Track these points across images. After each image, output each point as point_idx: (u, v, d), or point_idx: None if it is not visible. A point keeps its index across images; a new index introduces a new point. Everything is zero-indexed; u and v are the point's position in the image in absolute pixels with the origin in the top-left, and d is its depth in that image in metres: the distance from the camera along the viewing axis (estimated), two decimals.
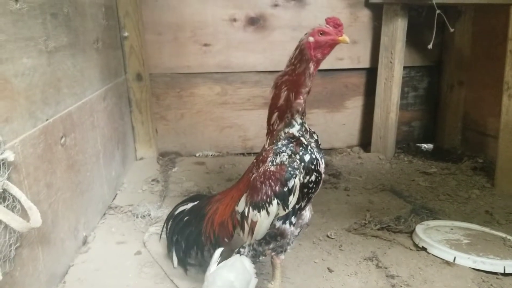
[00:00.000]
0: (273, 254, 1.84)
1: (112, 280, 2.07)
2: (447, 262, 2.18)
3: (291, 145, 1.71)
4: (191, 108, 3.88)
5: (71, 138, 2.19)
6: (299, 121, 1.74)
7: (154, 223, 2.59)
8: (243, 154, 3.97)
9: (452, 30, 3.29)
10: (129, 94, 3.58)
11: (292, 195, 1.68)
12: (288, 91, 1.70)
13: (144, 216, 2.66)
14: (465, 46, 3.82)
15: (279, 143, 1.73)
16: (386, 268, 2.16)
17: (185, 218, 2.09)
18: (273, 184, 1.67)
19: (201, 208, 2.03)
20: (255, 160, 1.83)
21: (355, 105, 4.04)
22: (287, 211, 1.70)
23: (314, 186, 1.73)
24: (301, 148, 1.70)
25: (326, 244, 2.40)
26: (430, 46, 3.15)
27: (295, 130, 1.73)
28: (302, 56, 1.67)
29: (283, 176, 1.66)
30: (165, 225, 2.19)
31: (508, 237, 2.38)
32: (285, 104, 1.71)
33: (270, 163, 1.70)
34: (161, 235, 2.30)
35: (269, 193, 1.68)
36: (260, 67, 3.83)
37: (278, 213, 1.71)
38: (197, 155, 3.91)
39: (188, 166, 3.62)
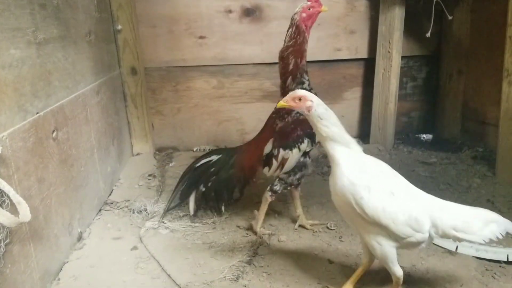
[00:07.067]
0: (293, 187, 2.41)
1: (108, 276, 2.03)
2: (449, 251, 2.15)
3: None
4: (188, 102, 3.83)
5: (63, 132, 2.15)
6: (307, 77, 2.31)
7: (150, 218, 2.55)
8: None
9: (450, 18, 3.26)
10: (124, 89, 3.53)
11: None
12: (295, 58, 2.26)
13: (140, 211, 2.63)
14: (464, 35, 3.76)
15: None
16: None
17: (212, 169, 2.46)
18: (304, 127, 2.23)
19: (228, 159, 2.46)
20: (274, 115, 2.41)
21: (353, 96, 3.99)
22: (313, 146, 2.31)
23: None
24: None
25: (326, 236, 2.36)
26: (428, 35, 3.11)
27: (305, 85, 2.29)
28: (299, 30, 2.24)
29: None
30: (186, 177, 2.51)
31: None
32: (295, 68, 2.27)
33: (298, 113, 2.23)
34: (179, 186, 2.54)
35: (301, 134, 2.27)
36: (257, 59, 3.78)
37: (306, 149, 2.30)
38: (194, 149, 3.86)
39: (185, 161, 3.57)
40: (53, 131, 2.03)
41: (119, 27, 3.37)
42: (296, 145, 2.28)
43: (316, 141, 2.27)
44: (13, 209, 1.50)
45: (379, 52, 3.69)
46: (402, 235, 1.65)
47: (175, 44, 3.65)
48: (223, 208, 2.53)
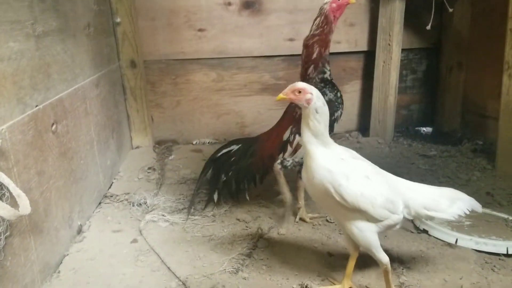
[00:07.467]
0: (299, 175, 2.40)
1: (107, 269, 2.04)
2: (449, 244, 2.15)
3: (328, 86, 2.35)
4: (187, 95, 3.82)
5: (62, 125, 2.14)
6: (328, 67, 2.37)
7: (150, 211, 2.55)
8: None
9: (450, 10, 3.23)
10: (123, 82, 3.52)
11: (336, 122, 2.40)
12: (319, 47, 2.32)
13: (140, 204, 2.63)
14: (464, 27, 3.75)
15: (319, 85, 2.30)
16: (387, 251, 2.10)
17: (232, 159, 2.50)
18: None
19: (248, 148, 2.50)
20: (293, 104, 2.27)
21: (353, 89, 3.98)
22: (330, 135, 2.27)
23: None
24: (335, 87, 2.38)
25: (326, 229, 2.36)
26: (428, 27, 3.09)
27: (327, 75, 2.37)
28: (327, 20, 2.29)
29: (331, 110, 2.16)
30: (209, 167, 2.55)
31: (510, 218, 2.34)
32: (318, 57, 2.33)
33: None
34: (202, 175, 2.56)
35: None
36: (256, 52, 3.77)
37: None
38: (194, 142, 3.86)
39: (185, 154, 3.58)
40: (53, 124, 2.03)
41: (118, 19, 3.35)
42: None
43: (334, 130, 2.39)
44: (13, 202, 1.50)
45: (379, 45, 3.68)
46: (380, 218, 1.69)
47: (174, 37, 3.64)
48: (246, 196, 2.56)
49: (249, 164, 2.48)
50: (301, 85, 1.70)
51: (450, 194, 1.80)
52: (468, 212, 1.78)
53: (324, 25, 2.30)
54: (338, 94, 2.40)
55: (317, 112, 1.67)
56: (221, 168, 2.51)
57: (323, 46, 2.33)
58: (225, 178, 2.50)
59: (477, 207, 1.81)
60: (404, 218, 1.75)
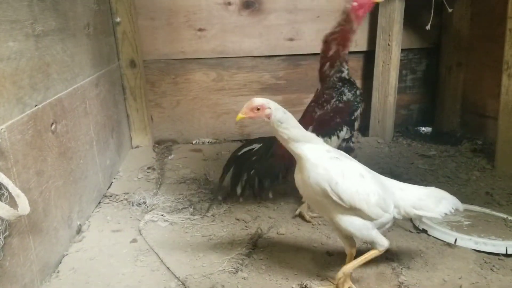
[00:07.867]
0: None
1: (107, 268, 2.04)
2: (448, 244, 2.15)
3: (346, 85, 2.38)
4: (187, 95, 3.82)
5: (62, 125, 2.14)
6: (346, 66, 2.38)
7: (149, 210, 2.55)
8: (240, 140, 3.90)
9: (450, 10, 3.23)
10: (123, 81, 3.52)
11: (356, 122, 2.42)
12: (337, 45, 2.34)
13: (140, 204, 2.63)
14: (463, 27, 3.75)
15: (338, 84, 2.39)
16: (386, 251, 2.11)
17: (254, 157, 2.46)
18: (343, 116, 2.35)
19: (269, 147, 2.45)
20: (313, 103, 2.47)
21: None
22: (352, 134, 2.42)
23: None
24: (354, 86, 2.40)
25: (325, 228, 2.36)
26: (428, 27, 3.09)
27: (345, 74, 2.39)
28: (348, 18, 2.29)
29: (351, 109, 2.36)
30: (231, 165, 2.48)
31: (509, 218, 2.34)
32: (335, 55, 2.35)
33: (337, 101, 2.37)
34: (224, 173, 2.50)
35: (340, 122, 2.36)
36: (256, 52, 3.77)
37: (344, 137, 2.38)
38: (193, 142, 3.86)
39: (184, 154, 3.58)
40: (52, 123, 2.03)
41: (118, 19, 3.35)
42: (335, 133, 2.35)
43: (355, 128, 2.45)
44: (12, 202, 1.50)
45: (378, 45, 3.68)
46: (374, 217, 1.71)
47: (174, 37, 3.64)
48: (270, 194, 2.53)
49: (270, 163, 2.45)
50: (258, 102, 1.67)
51: (436, 194, 1.86)
52: (453, 211, 1.83)
53: (345, 23, 2.31)
54: (357, 93, 2.41)
55: (280, 122, 1.66)
56: (243, 166, 2.48)
57: (341, 44, 2.33)
58: (246, 177, 2.46)
59: (459, 205, 1.88)
60: (394, 218, 1.78)
